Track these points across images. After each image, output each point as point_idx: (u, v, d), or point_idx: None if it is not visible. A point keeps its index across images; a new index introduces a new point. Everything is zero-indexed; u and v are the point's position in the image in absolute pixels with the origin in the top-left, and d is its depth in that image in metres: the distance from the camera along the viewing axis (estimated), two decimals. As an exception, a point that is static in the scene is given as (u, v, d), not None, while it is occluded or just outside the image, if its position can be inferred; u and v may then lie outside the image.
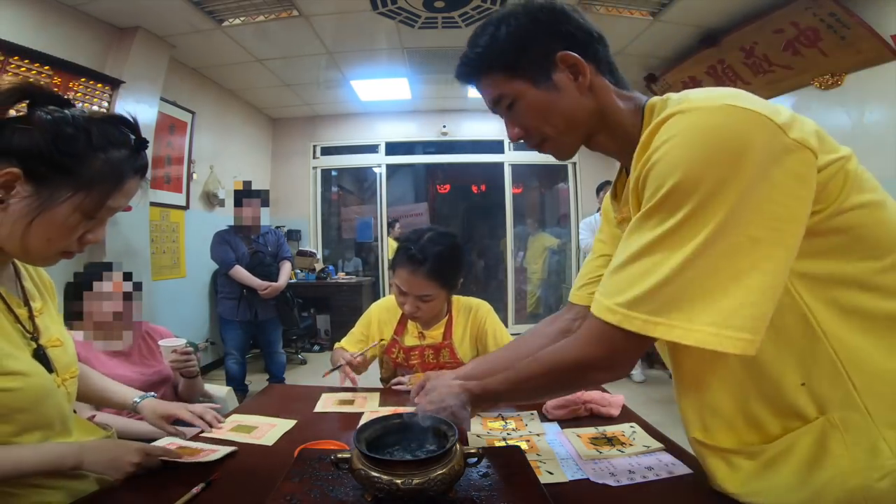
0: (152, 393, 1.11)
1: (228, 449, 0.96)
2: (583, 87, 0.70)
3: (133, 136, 0.77)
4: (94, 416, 1.33)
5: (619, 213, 0.79)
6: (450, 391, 0.81)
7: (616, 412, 1.11)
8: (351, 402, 1.26)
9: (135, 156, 0.77)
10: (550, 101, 0.70)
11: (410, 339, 1.49)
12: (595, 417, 1.10)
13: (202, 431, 1.05)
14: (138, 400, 1.07)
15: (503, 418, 1.10)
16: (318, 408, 1.23)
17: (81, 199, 0.71)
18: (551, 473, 0.81)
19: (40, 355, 0.81)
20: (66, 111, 0.71)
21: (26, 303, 0.84)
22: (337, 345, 1.56)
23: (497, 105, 0.74)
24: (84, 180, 0.71)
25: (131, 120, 0.78)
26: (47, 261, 0.77)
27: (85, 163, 0.71)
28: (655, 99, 0.69)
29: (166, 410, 1.05)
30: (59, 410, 0.82)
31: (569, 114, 0.71)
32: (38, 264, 0.84)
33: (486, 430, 1.04)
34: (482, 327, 1.50)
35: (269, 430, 1.09)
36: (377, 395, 1.31)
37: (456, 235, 1.43)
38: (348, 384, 1.35)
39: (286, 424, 1.11)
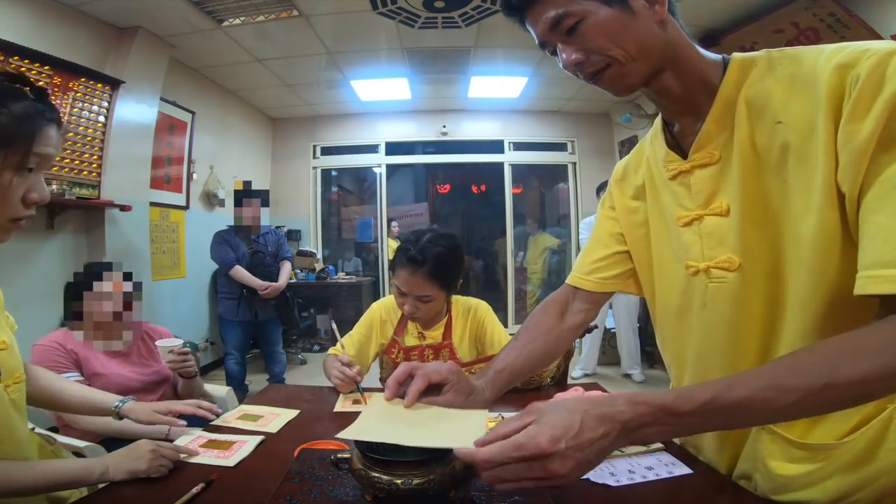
0: (131, 397, 1.10)
1: (258, 439, 0.99)
2: (658, 15, 0.65)
3: (27, 88, 0.75)
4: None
5: (678, 165, 0.72)
6: (599, 442, 0.50)
7: None
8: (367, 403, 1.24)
9: (39, 104, 0.75)
10: (624, 21, 0.64)
11: (410, 340, 1.49)
12: None
13: (210, 422, 1.10)
14: (119, 404, 1.07)
15: (503, 418, 1.09)
16: (337, 407, 1.22)
17: (3, 157, 0.70)
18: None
19: None
20: None
21: None
22: (331, 350, 1.50)
23: (556, 27, 0.66)
24: None
25: (16, 73, 0.75)
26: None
27: None
28: (746, 54, 0.66)
29: (158, 406, 1.06)
30: (2, 418, 0.79)
31: (642, 39, 0.65)
32: None
33: (487, 430, 1.03)
34: (481, 326, 1.50)
35: (273, 418, 1.13)
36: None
37: (455, 236, 1.43)
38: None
39: (290, 413, 1.16)
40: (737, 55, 0.67)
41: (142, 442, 0.85)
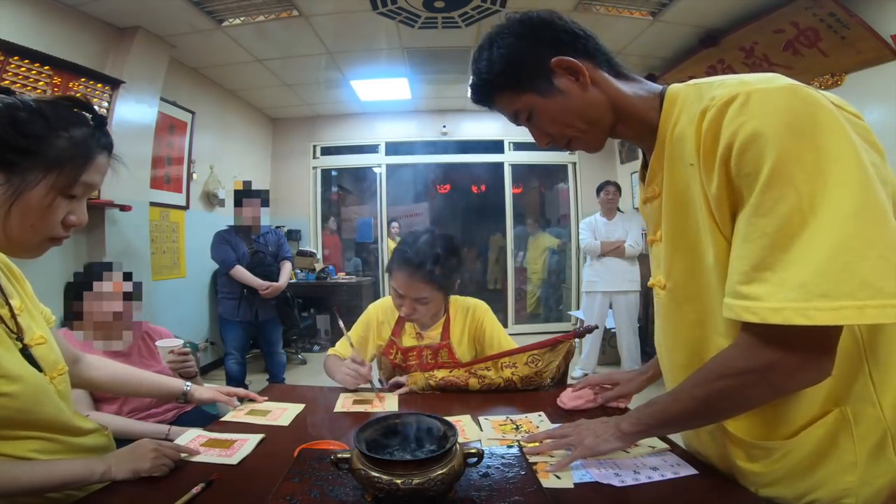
0: (189, 383, 1.23)
1: (259, 437, 0.99)
2: (585, 84, 0.72)
3: (89, 115, 0.77)
4: (87, 416, 1.33)
5: (644, 193, 0.79)
6: (603, 437, 0.81)
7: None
8: (368, 402, 1.24)
9: (97, 133, 0.76)
10: (561, 105, 0.73)
11: (408, 340, 1.48)
12: (604, 412, 1.12)
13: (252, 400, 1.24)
14: (187, 388, 1.20)
15: (512, 422, 1.08)
16: (338, 407, 1.21)
17: (54, 178, 0.71)
18: (559, 478, 0.80)
19: (27, 356, 0.79)
20: (15, 97, 0.71)
21: (7, 302, 0.81)
22: (331, 350, 1.51)
23: (517, 119, 0.79)
24: (52, 160, 0.70)
25: (83, 100, 0.77)
26: (35, 250, 0.75)
27: (49, 143, 0.70)
28: (678, 86, 0.70)
29: (221, 388, 1.22)
30: (55, 409, 0.81)
31: (583, 112, 0.73)
32: (23, 256, 0.80)
33: (501, 433, 1.02)
34: (480, 327, 1.49)
35: (281, 413, 1.15)
36: (395, 395, 1.29)
37: (452, 237, 1.42)
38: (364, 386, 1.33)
39: (297, 408, 1.19)
40: (670, 90, 0.71)
41: (144, 441, 0.85)
